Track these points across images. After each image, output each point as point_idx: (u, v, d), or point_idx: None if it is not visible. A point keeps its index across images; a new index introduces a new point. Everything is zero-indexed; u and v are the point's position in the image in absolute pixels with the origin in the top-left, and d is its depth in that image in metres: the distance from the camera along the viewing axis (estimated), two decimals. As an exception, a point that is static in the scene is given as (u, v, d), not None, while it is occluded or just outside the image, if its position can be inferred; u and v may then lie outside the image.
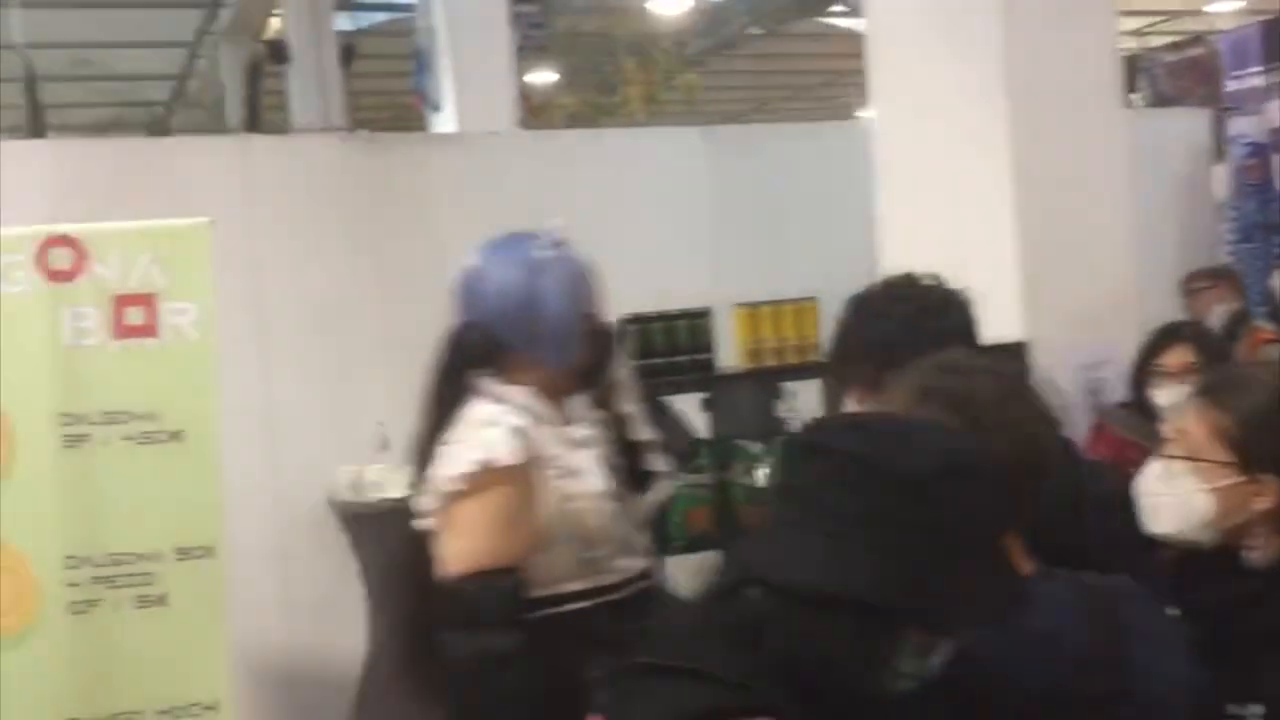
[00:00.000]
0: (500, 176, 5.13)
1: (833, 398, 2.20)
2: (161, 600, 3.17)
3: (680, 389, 3.07)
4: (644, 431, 2.28)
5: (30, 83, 8.75)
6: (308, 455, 4.57)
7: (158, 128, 13.67)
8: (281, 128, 9.89)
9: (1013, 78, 3.31)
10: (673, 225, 5.33)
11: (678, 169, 5.45)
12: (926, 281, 2.05)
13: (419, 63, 6.82)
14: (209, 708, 3.14)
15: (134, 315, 3.24)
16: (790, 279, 3.28)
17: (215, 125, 12.51)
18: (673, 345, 3.06)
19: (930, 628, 1.18)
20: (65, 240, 3.24)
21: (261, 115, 9.29)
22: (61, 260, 3.23)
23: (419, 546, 2.08)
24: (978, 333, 2.04)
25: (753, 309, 3.18)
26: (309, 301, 4.76)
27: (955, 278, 2.14)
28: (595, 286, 2.25)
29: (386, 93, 13.37)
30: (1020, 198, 3.25)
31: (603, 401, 2.25)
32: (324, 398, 4.71)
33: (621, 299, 3.96)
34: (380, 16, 12.80)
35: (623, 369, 2.31)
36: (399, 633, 2.24)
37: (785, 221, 5.32)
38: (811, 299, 3.33)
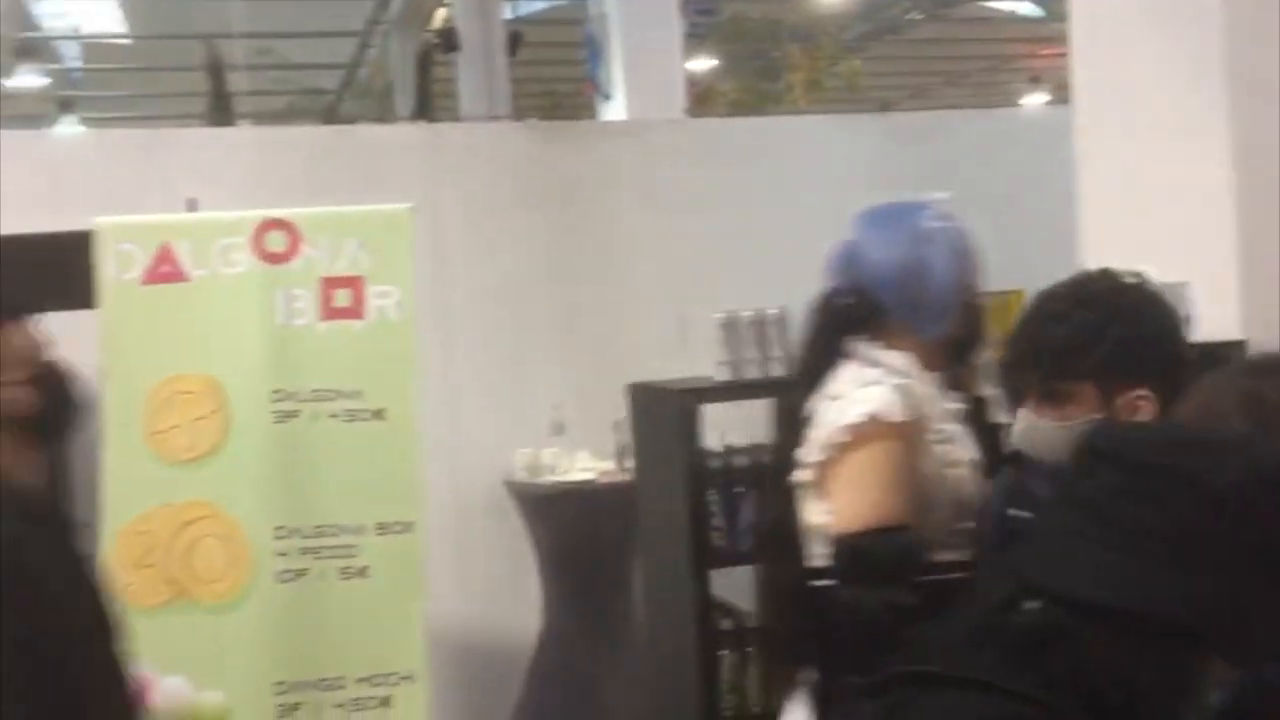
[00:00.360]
0: (674, 164, 5.15)
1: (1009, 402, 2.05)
2: (363, 573, 3.29)
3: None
4: (1002, 416, 2.19)
5: (216, 71, 9.13)
6: (486, 437, 4.69)
7: (330, 116, 14.15)
8: (450, 116, 10.13)
9: (1233, 62, 3.15)
10: (849, 215, 5.26)
11: (853, 157, 5.38)
12: (1128, 279, 1.88)
13: (591, 51, 6.87)
14: (406, 678, 3.25)
15: (341, 297, 3.37)
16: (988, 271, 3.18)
17: (384, 113, 12.91)
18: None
19: (1234, 655, 1.12)
20: (280, 224, 3.39)
21: (431, 103, 9.50)
22: (276, 243, 3.37)
23: (786, 505, 2.02)
24: (1180, 334, 1.89)
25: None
26: (487, 286, 4.87)
27: (1165, 273, 2.05)
28: (977, 261, 2.20)
29: (544, 80, 13.57)
30: (1241, 189, 3.10)
31: (962, 383, 2.17)
32: (501, 381, 4.82)
33: (803, 289, 3.98)
34: (539, 4, 12.99)
35: (986, 350, 2.23)
36: (766, 592, 2.18)
37: (973, 211, 5.19)
38: (1019, 290, 3.24)
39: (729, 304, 5.25)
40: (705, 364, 3.44)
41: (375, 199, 4.57)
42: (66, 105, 13.54)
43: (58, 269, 3.82)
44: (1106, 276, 1.87)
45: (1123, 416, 1.65)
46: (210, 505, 3.27)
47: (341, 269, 3.38)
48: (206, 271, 3.35)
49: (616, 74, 6.83)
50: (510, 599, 4.59)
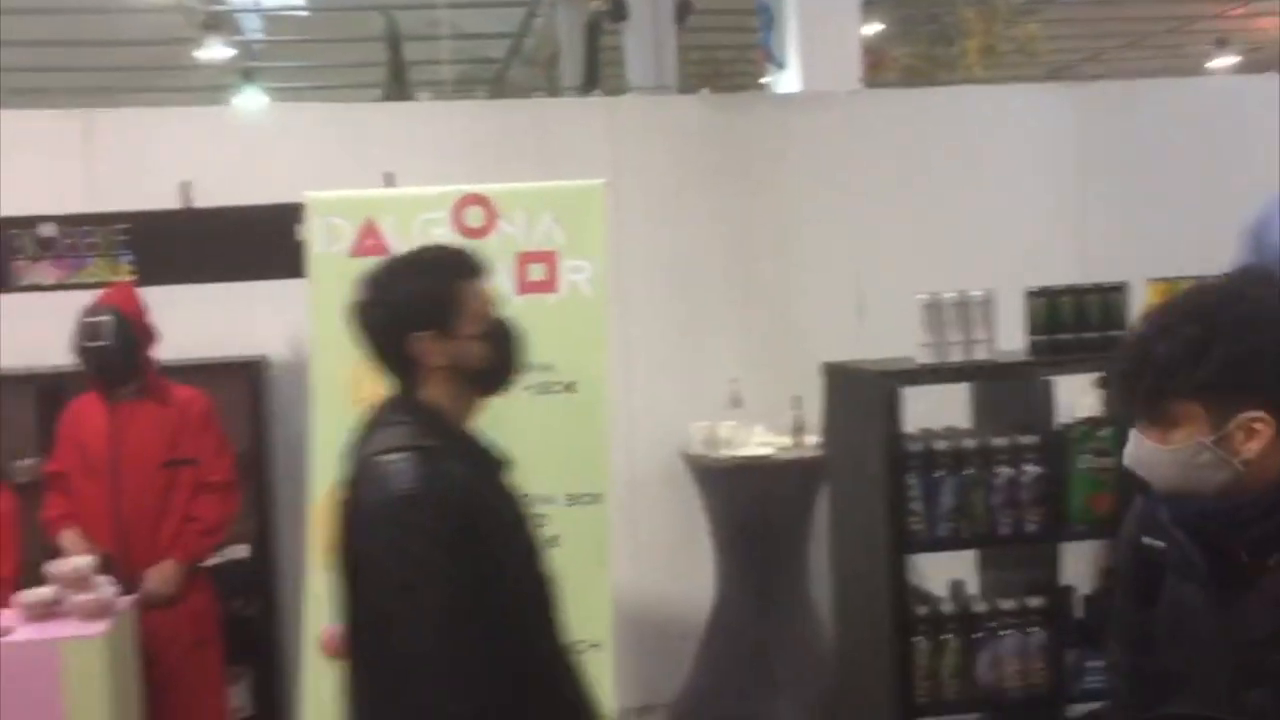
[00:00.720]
0: (854, 137, 5.06)
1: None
2: (554, 542, 3.35)
3: (1086, 367, 2.92)
4: None
5: (394, 42, 9.37)
6: (663, 409, 4.72)
7: (497, 85, 14.39)
8: (618, 86, 10.17)
9: None
10: (1039, 190, 5.09)
11: (1041, 129, 5.19)
12: (1251, 286, 1.62)
13: (763, 19, 6.78)
14: (594, 646, 3.30)
15: (536, 271, 3.43)
16: (1197, 253, 3.02)
17: (551, 82, 13.06)
18: (1082, 320, 2.90)
19: None
20: (477, 199, 3.46)
21: (599, 73, 9.56)
22: (474, 218, 3.45)
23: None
24: None
25: (1171, 284, 2.97)
26: (665, 259, 4.89)
27: None
28: None
29: (706, 46, 13.48)
30: None
31: None
32: (678, 354, 4.84)
33: (987, 269, 3.87)
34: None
35: None
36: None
37: (1175, 185, 4.96)
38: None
39: (908, 282, 5.16)
40: (884, 342, 3.38)
41: (559, 172, 4.65)
42: (249, 76, 14.16)
43: (268, 239, 4.02)
44: (1223, 285, 1.64)
45: (1236, 442, 1.49)
46: (410, 471, 3.38)
47: (536, 244, 3.44)
48: (409, 245, 3.43)
49: (790, 42, 6.73)
50: (685, 570, 4.63)
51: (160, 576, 3.58)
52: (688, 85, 10.49)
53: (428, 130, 4.74)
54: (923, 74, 9.17)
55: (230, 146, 4.53)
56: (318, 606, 3.38)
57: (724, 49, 14.90)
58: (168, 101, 15.64)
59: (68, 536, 3.61)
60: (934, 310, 2.87)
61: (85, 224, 3.95)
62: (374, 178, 4.28)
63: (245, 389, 4.40)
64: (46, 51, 13.83)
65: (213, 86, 14.66)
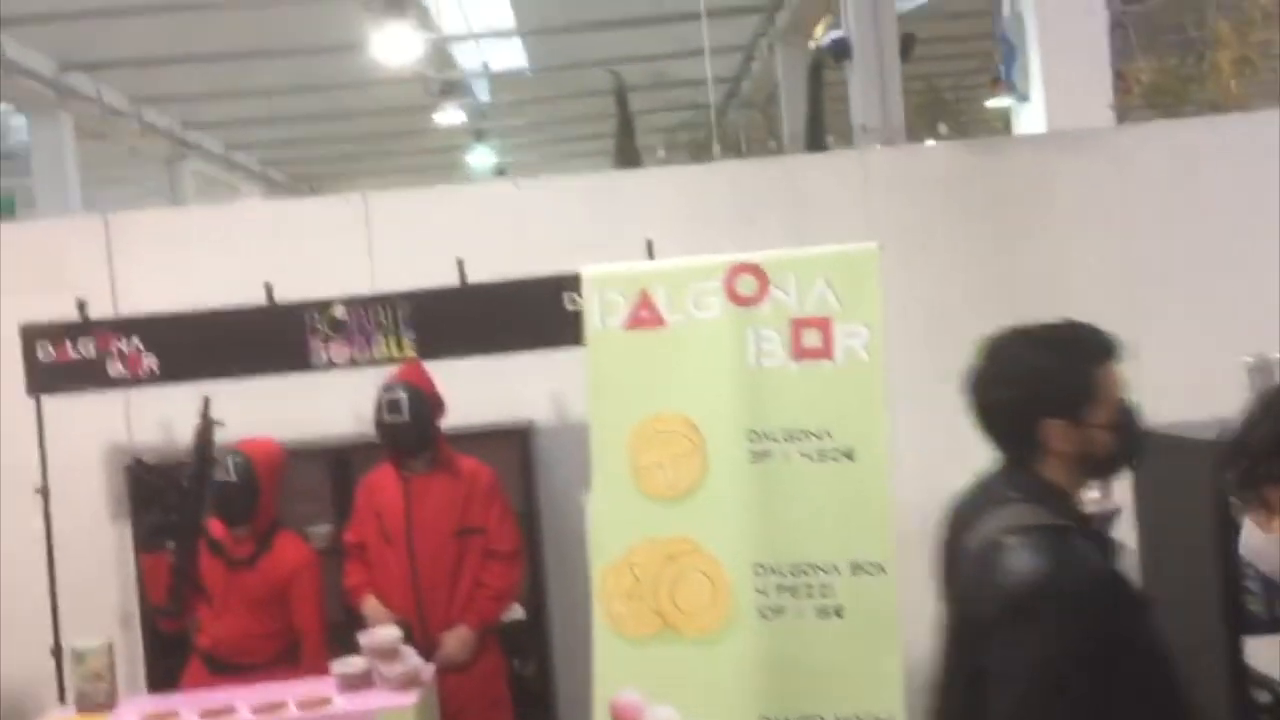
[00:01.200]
0: (1118, 176, 4.82)
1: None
2: (838, 612, 3.32)
3: None
4: None
5: (621, 97, 9.60)
6: (929, 470, 4.58)
7: (719, 130, 14.53)
8: (842, 124, 10.10)
9: None
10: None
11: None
12: None
13: (1005, 51, 6.59)
14: (883, 720, 3.25)
15: (810, 338, 3.42)
16: None
17: (770, 125, 13.12)
18: None
19: None
20: (749, 267, 3.48)
21: (824, 115, 9.52)
22: (747, 286, 3.47)
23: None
24: None
25: None
26: (923, 312, 4.77)
27: None
28: None
29: (923, 75, 13.22)
30: None
31: None
32: (944, 415, 4.68)
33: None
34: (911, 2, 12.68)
35: None
36: None
37: None
38: None
39: (1188, 329, 4.84)
40: (1164, 395, 3.15)
41: (814, 228, 4.63)
42: (479, 136, 14.84)
43: (538, 310, 4.16)
44: None
45: None
46: (692, 541, 3.42)
47: (810, 310, 3.42)
48: (682, 316, 3.50)
49: (1034, 72, 6.51)
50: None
51: (457, 642, 3.73)
52: (910, 118, 10.31)
53: (682, 193, 4.82)
54: (1170, 93, 8.67)
55: (499, 220, 4.73)
56: (604, 673, 3.45)
57: (943, 76, 14.59)
58: (407, 165, 16.58)
59: (369, 604, 3.82)
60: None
61: (372, 304, 4.19)
62: (635, 244, 4.38)
63: (514, 454, 4.56)
64: (294, 125, 14.91)
65: (446, 148, 15.44)
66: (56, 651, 4.09)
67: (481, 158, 14.88)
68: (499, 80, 15.43)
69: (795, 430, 3.40)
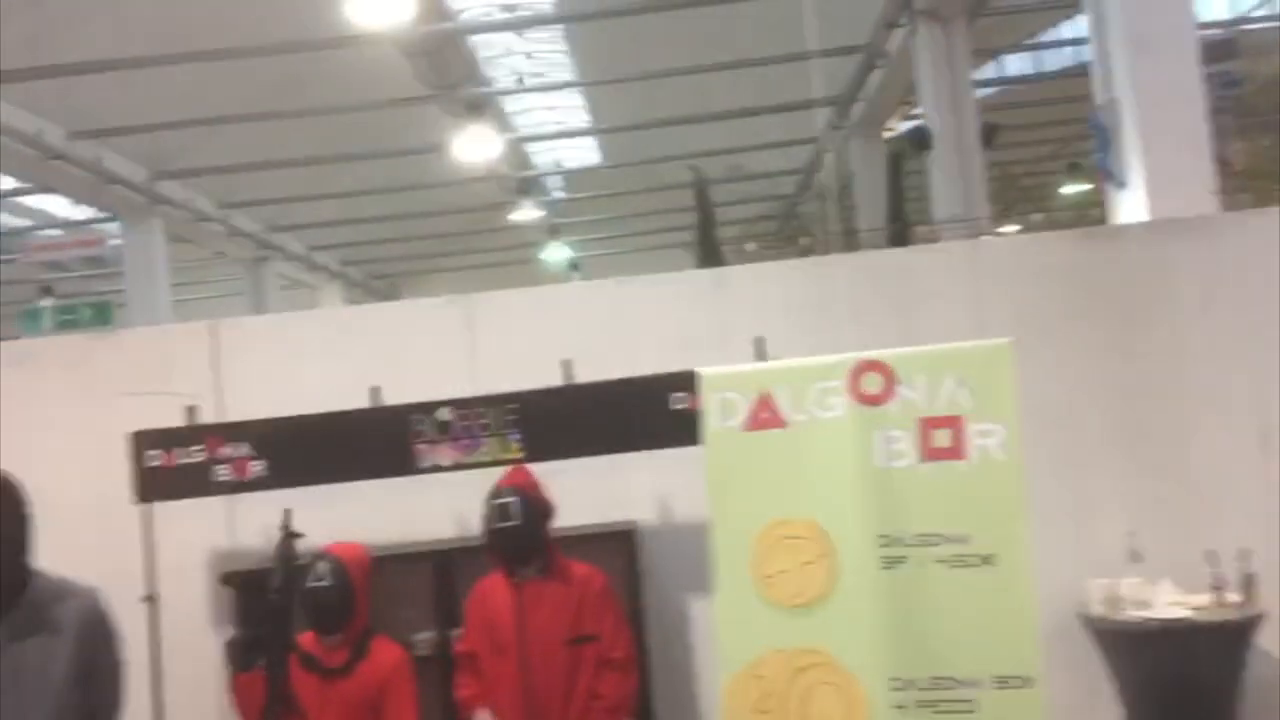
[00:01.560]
0: (1234, 262, 4.65)
1: None
2: (983, 729, 3.13)
3: None
4: None
5: (701, 189, 9.66)
6: (1055, 566, 4.38)
7: (790, 221, 14.59)
8: (922, 214, 10.04)
9: None
10: None
11: None
12: None
13: (1100, 139, 6.50)
14: (1040, 846, 3.03)
15: (941, 438, 3.29)
16: None
17: (843, 215, 13.11)
18: None
19: None
20: (875, 365, 3.37)
21: (904, 204, 9.48)
22: (872, 384, 3.36)
23: None
24: None
25: None
26: (1039, 404, 4.59)
27: None
28: None
29: (1001, 163, 13.16)
30: None
31: None
32: (1067, 506, 4.51)
33: None
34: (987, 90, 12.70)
35: None
36: None
37: None
38: None
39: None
40: None
41: (922, 320, 4.52)
42: (554, 232, 15.02)
43: (646, 410, 4.08)
44: None
45: None
46: (822, 653, 3.26)
47: (940, 408, 3.30)
48: (804, 416, 3.40)
49: (1132, 160, 6.40)
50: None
51: (573, 757, 3.58)
52: (997, 206, 10.24)
53: (785, 288, 4.75)
54: (1266, 175, 8.51)
55: (600, 319, 4.68)
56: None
57: (1016, 164, 14.53)
58: (482, 262, 16.82)
59: (481, 717, 3.69)
60: None
61: (478, 406, 4.14)
62: (740, 340, 4.29)
63: (619, 557, 4.43)
64: (372, 227, 15.21)
65: (520, 245, 15.65)
66: (160, 765, 4.01)
67: (556, 253, 15.03)
68: (572, 177, 15.67)
69: (929, 534, 3.25)
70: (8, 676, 2.77)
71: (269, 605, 3.48)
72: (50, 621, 2.88)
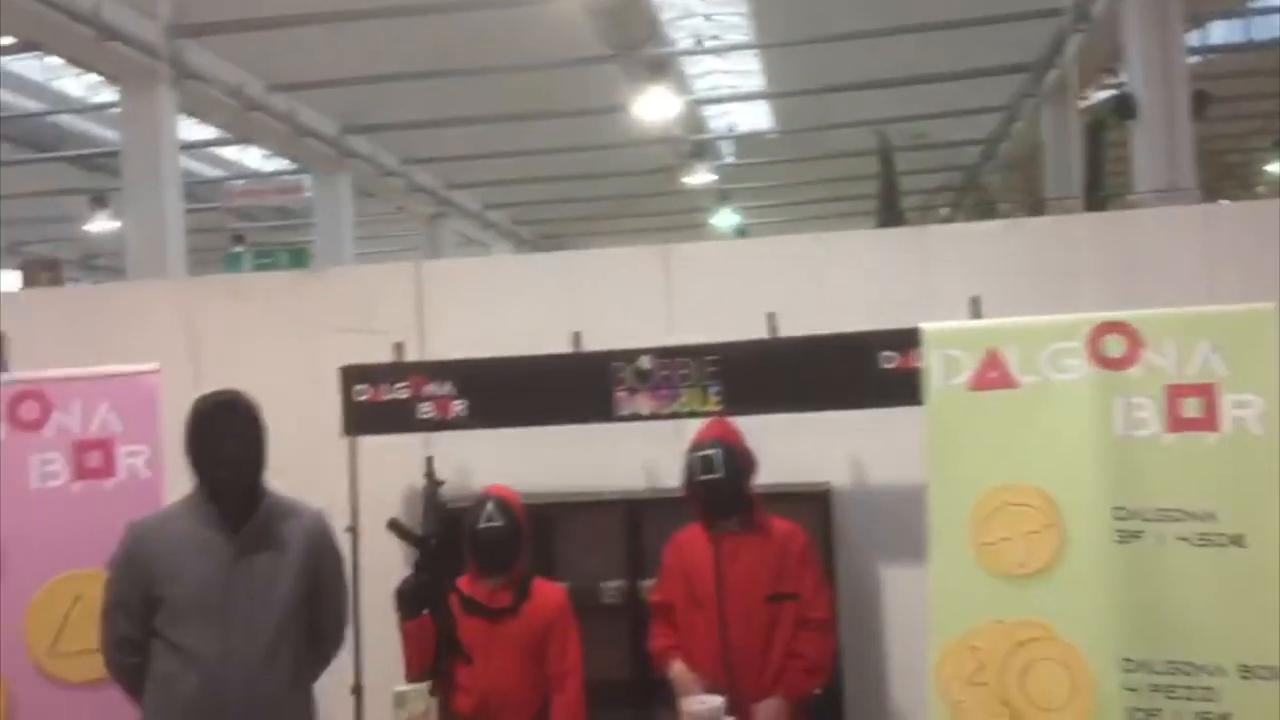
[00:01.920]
0: None
1: None
2: (1224, 720, 2.91)
3: None
4: None
5: (886, 155, 9.41)
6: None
7: (969, 192, 14.11)
8: (1123, 188, 9.54)
9: None
10: None
11: None
12: None
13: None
14: None
15: (1191, 407, 3.06)
16: None
17: (1028, 186, 12.61)
18: None
19: None
20: (1117, 327, 3.16)
21: (1104, 175, 9.00)
22: (1114, 347, 3.15)
23: None
24: None
25: None
26: None
27: None
28: None
29: (1203, 139, 12.41)
30: None
31: None
32: None
33: None
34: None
35: None
36: None
37: None
38: None
39: None
40: None
41: (1142, 286, 4.24)
42: (724, 198, 14.89)
43: (849, 367, 3.94)
44: None
45: None
46: (1045, 626, 3.09)
47: (1190, 375, 3.07)
48: (1036, 378, 3.21)
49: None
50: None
51: (770, 714, 3.50)
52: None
53: (997, 249, 4.52)
54: None
55: (799, 275, 4.55)
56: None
57: (1218, 139, 13.69)
58: (650, 225, 16.83)
59: (677, 669, 3.64)
60: None
61: (679, 356, 4.07)
62: (955, 303, 4.11)
63: (811, 518, 4.31)
64: (546, 186, 15.34)
65: (689, 209, 15.56)
66: (357, 690, 4.09)
67: (726, 218, 14.91)
68: (743, 142, 15.46)
69: (1171, 510, 3.03)
70: (240, 589, 2.86)
71: (429, 551, 3.47)
72: (279, 538, 2.95)
